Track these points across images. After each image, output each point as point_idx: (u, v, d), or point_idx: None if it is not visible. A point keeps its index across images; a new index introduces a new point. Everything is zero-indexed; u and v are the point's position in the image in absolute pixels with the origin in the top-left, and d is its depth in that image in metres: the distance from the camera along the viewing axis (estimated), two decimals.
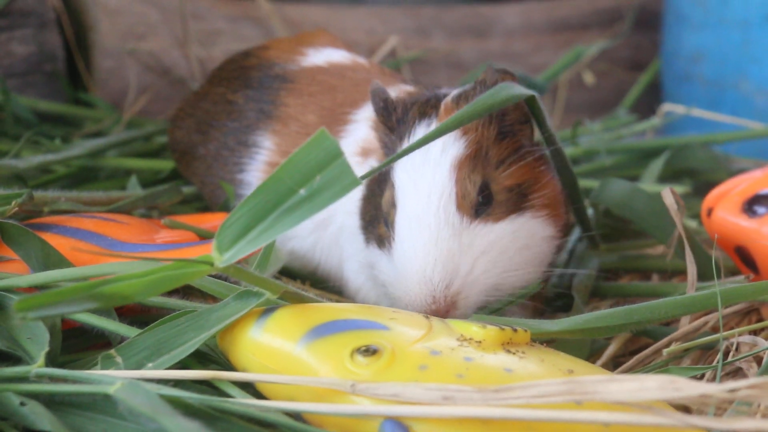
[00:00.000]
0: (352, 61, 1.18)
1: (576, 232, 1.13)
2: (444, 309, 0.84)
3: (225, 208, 1.13)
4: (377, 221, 0.93)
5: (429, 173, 0.88)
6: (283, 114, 1.11)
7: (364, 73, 1.14)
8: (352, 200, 0.97)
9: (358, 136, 1.03)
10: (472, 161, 0.89)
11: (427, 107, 0.93)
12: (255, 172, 1.11)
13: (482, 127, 0.91)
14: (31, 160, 1.19)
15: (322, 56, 1.18)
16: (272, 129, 1.11)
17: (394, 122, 0.94)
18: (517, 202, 0.91)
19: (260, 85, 1.16)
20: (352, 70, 1.15)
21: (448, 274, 0.84)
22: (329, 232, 1.02)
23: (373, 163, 0.98)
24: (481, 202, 0.88)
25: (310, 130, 1.07)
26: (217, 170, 1.15)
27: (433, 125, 0.91)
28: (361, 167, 0.98)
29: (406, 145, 0.90)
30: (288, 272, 1.07)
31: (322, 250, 1.04)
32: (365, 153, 1.01)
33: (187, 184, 1.27)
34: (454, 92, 0.95)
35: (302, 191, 0.66)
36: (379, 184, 0.94)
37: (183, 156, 1.24)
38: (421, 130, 0.91)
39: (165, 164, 1.34)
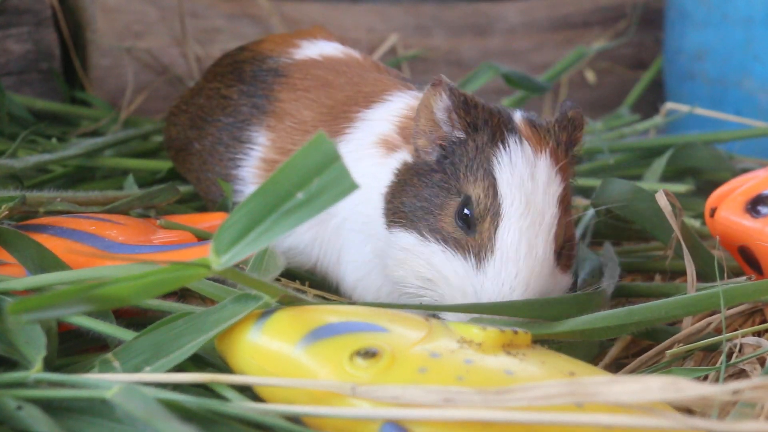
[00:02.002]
0: (345, 54, 1.15)
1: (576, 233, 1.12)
2: None
3: (222, 207, 1.12)
4: (432, 215, 0.89)
5: (539, 200, 0.86)
6: (278, 109, 1.09)
7: (360, 70, 1.11)
8: (369, 189, 0.94)
9: (374, 131, 0.99)
10: (562, 202, 0.89)
11: (498, 118, 0.90)
12: (250, 168, 1.09)
13: (568, 167, 0.90)
14: (27, 159, 1.18)
15: (316, 48, 1.16)
16: (266, 124, 1.09)
17: (478, 120, 0.90)
18: (569, 256, 0.91)
19: (254, 79, 1.14)
20: (346, 65, 1.12)
21: None
22: (330, 226, 1.00)
23: (403, 156, 0.94)
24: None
25: (307, 126, 1.05)
26: (213, 166, 1.14)
27: (522, 142, 0.89)
28: (386, 159, 0.95)
29: (503, 148, 0.88)
30: (287, 272, 1.06)
31: (322, 245, 1.02)
32: (389, 146, 0.96)
33: (184, 183, 1.26)
34: (524, 114, 0.93)
35: (300, 195, 0.65)
36: (428, 173, 0.90)
37: (178, 153, 1.23)
38: (512, 140, 0.88)
39: (162, 164, 1.33)
